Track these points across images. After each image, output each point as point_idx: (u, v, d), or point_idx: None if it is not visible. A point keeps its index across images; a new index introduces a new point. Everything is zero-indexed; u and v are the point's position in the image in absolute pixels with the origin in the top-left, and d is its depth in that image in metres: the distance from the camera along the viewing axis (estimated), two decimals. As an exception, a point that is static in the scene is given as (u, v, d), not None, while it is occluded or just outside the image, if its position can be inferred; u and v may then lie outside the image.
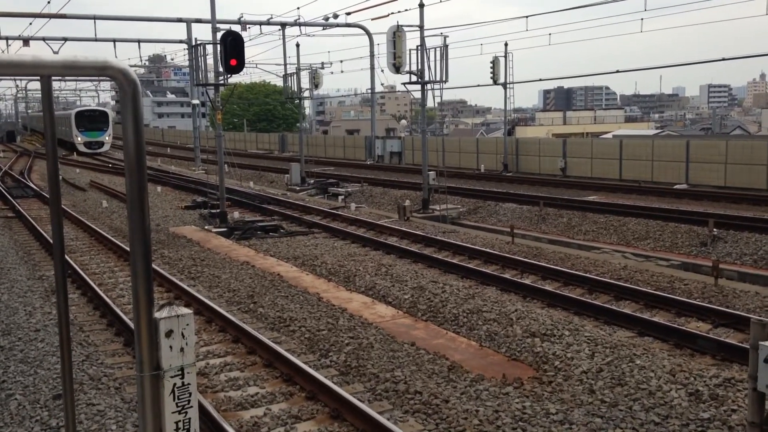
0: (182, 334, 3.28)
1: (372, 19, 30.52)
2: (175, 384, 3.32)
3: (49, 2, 27.91)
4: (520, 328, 9.76)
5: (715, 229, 16.90)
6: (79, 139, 53.80)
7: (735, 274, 14.26)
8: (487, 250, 15.45)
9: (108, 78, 3.21)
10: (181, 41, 34.31)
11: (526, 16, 31.07)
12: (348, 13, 31.06)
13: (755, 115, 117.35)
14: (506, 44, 35.24)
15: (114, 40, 32.87)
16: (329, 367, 8.63)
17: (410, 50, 22.30)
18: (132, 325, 8.67)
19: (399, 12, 28.73)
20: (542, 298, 11.81)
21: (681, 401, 7.28)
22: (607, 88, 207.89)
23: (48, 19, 29.60)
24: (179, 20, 30.18)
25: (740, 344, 8.85)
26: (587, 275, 12.91)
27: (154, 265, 13.81)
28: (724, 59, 25.04)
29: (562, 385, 7.82)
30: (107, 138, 55.41)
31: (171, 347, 3.28)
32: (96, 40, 31.02)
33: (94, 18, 29.02)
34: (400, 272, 13.62)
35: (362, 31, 37.42)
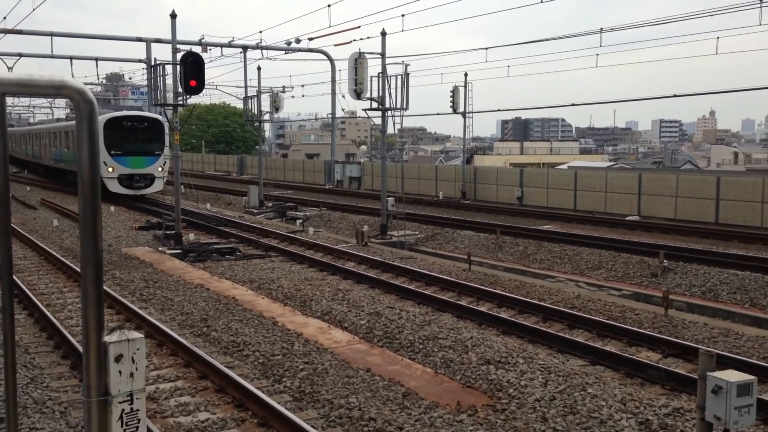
0: (132, 358, 3.22)
1: (334, 45, 30.85)
2: (123, 410, 3.25)
3: (5, 18, 27.36)
4: (475, 355, 9.79)
5: (665, 261, 17.29)
6: (111, 169, 30.43)
7: (684, 305, 14.58)
8: (444, 276, 15.52)
9: (64, 97, 3.16)
10: (140, 60, 33.98)
11: (486, 48, 31.67)
12: (310, 39, 31.21)
13: (704, 151, 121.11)
14: (466, 74, 35.81)
15: (71, 58, 32.37)
16: (283, 393, 8.51)
17: (371, 77, 22.48)
18: (80, 347, 8.44)
19: (361, 39, 29.04)
20: (497, 326, 11.90)
21: (631, 430, 7.37)
22: (563, 120, 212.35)
23: (3, 34, 29.05)
24: (139, 39, 29.91)
25: (689, 374, 9.03)
26: (542, 303, 13.06)
27: (104, 287, 13.52)
28: (675, 96, 25.92)
29: (516, 413, 7.86)
30: (160, 169, 31.73)
31: (120, 372, 3.21)
32: (52, 56, 30.54)
33: (51, 35, 28.57)
34: (357, 297, 13.57)
35: (324, 57, 37.61)
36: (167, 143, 32.00)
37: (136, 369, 3.23)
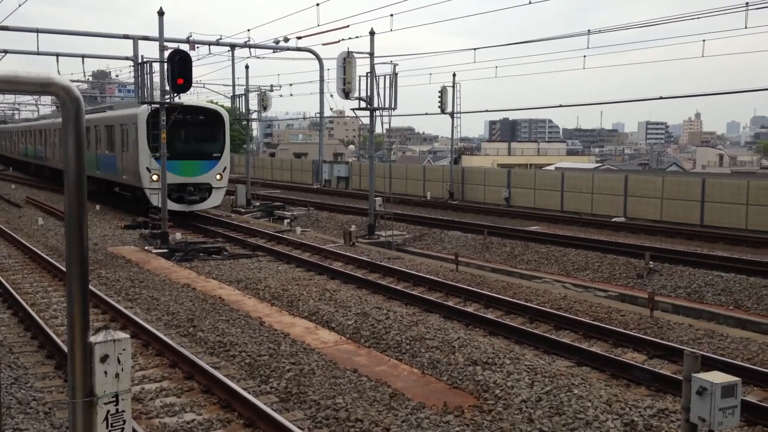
0: (118, 359, 3.19)
1: (323, 45, 30.76)
2: (108, 411, 3.22)
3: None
4: (462, 356, 9.81)
5: (651, 262, 17.40)
6: (156, 178, 22.78)
7: (669, 306, 14.68)
8: (432, 277, 15.53)
9: (51, 94, 3.13)
10: (127, 58, 33.76)
11: (474, 49, 31.77)
12: (299, 38, 31.11)
13: (690, 153, 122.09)
14: (454, 75, 35.86)
15: (57, 54, 32.10)
16: (269, 394, 8.49)
17: (360, 77, 22.46)
18: (65, 347, 8.38)
19: (350, 39, 28.94)
20: (484, 327, 11.92)
21: (617, 431, 7.41)
22: (551, 121, 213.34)
23: (-12, 29, 28.77)
24: (126, 37, 29.70)
25: (674, 375, 9.09)
26: (528, 304, 13.10)
27: (90, 286, 13.41)
28: (662, 98, 26.04)
29: (502, 413, 7.87)
30: (219, 177, 25.13)
31: (106, 373, 3.18)
32: (38, 53, 30.21)
33: (37, 31, 28.33)
34: (344, 298, 13.55)
35: (313, 56, 37.53)
36: (228, 143, 25.49)
37: (122, 369, 3.21)
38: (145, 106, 21.97)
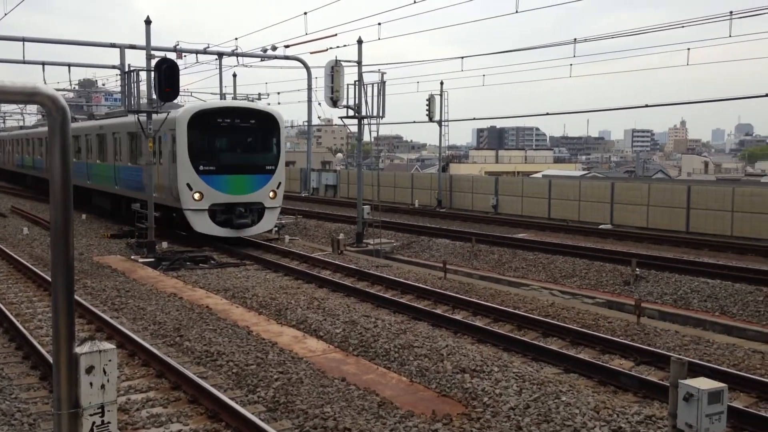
0: (104, 370, 3.17)
1: (311, 53, 30.79)
2: (94, 422, 3.19)
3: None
4: (451, 363, 9.81)
5: (637, 269, 17.49)
6: (199, 196, 20.08)
7: (656, 312, 14.75)
8: (420, 285, 15.54)
9: (37, 104, 3.12)
10: (113, 66, 33.64)
11: (462, 57, 31.87)
12: (287, 46, 31.15)
13: (676, 160, 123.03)
14: (442, 83, 35.99)
15: (43, 63, 31.92)
16: (257, 403, 8.44)
17: (348, 85, 22.52)
18: (50, 358, 8.31)
19: (338, 47, 29.06)
20: (473, 334, 11.93)
21: (605, 438, 7.43)
22: (538, 129, 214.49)
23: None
24: (112, 45, 29.59)
25: (661, 382, 9.13)
26: (516, 312, 13.13)
27: (75, 296, 13.31)
28: (647, 106, 26.28)
29: (491, 421, 7.88)
30: (272, 194, 21.32)
31: (91, 384, 3.16)
32: (24, 62, 30.01)
33: (23, 40, 28.18)
34: (332, 306, 13.53)
35: (300, 65, 37.56)
36: (283, 153, 21.66)
37: (108, 381, 3.19)
38: (188, 107, 20.13)
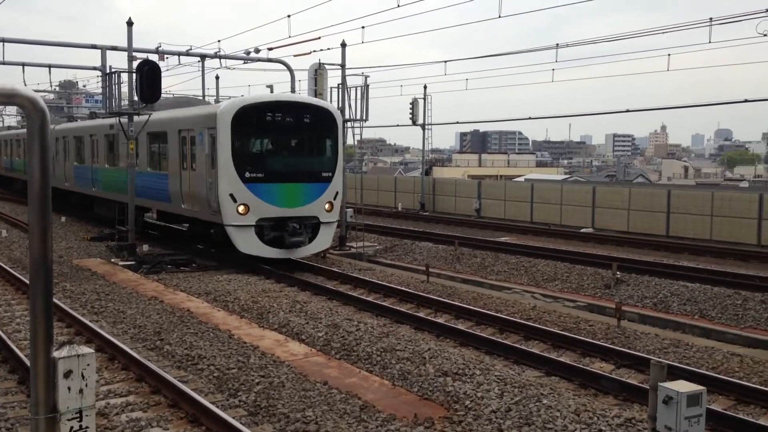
0: (82, 374, 3.14)
1: (294, 56, 30.66)
2: (72, 427, 3.16)
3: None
4: (433, 367, 9.82)
5: (618, 273, 17.62)
6: (243, 209, 16.73)
7: (636, 316, 14.87)
8: (403, 288, 15.55)
9: (16, 105, 3.09)
10: (95, 68, 33.36)
11: (445, 61, 32.01)
12: (270, 49, 31.04)
13: (656, 165, 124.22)
14: (425, 87, 36.09)
15: (23, 64, 31.55)
16: (238, 407, 8.40)
17: (331, 88, 22.53)
18: (28, 362, 8.21)
19: (321, 50, 29.02)
20: (455, 337, 11.95)
21: (585, 440, 7.47)
22: (521, 133, 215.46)
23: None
24: (94, 47, 29.31)
25: (641, 385, 9.20)
26: (498, 315, 13.17)
27: (54, 299, 13.16)
28: (628, 111, 26.52)
29: (472, 424, 7.89)
30: (328, 207, 18.00)
31: (69, 388, 3.13)
32: (4, 63, 29.64)
33: (3, 41, 27.85)
34: (314, 309, 13.50)
35: (284, 67, 37.46)
36: (342, 156, 18.75)
37: (86, 385, 3.16)
38: (233, 101, 17.33)
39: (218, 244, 18.86)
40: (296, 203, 17.31)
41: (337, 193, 18.20)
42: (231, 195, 16.62)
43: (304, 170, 17.74)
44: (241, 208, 16.66)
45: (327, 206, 17.84)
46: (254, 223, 16.81)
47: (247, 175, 16.76)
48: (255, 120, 17.27)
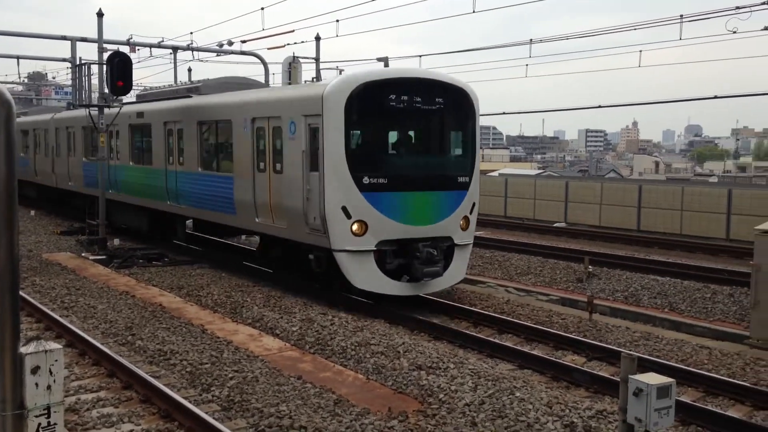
0: (50, 370, 3.09)
1: (268, 49, 30.43)
2: (40, 424, 3.11)
3: None
4: (407, 361, 9.84)
5: (590, 267, 17.80)
6: (359, 228, 12.42)
7: (608, 309, 15.04)
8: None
9: (-22, 95, 3.03)
10: (64, 59, 32.83)
11: (420, 56, 32.05)
12: (243, 41, 30.79)
13: (627, 160, 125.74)
14: (399, 81, 35.97)
15: (-10, 54, 30.98)
16: (211, 402, 8.34)
17: (306, 81, 22.37)
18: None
19: (295, 43, 28.79)
20: (429, 331, 11.98)
21: (557, 432, 7.54)
22: (495, 128, 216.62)
23: None
24: (64, 38, 28.81)
25: (612, 377, 9.31)
26: (472, 309, 13.24)
27: (23, 293, 12.96)
28: (600, 106, 26.79)
29: (446, 417, 7.93)
30: (463, 222, 13.59)
31: (37, 384, 3.07)
32: (-30, 53, 29.12)
33: (-31, 30, 27.27)
34: (289, 304, 13.44)
35: (257, 60, 37.20)
36: (478, 154, 14.36)
37: (54, 381, 3.10)
38: (346, 78, 12.71)
39: (311, 276, 13.99)
40: (427, 219, 12.99)
41: (474, 204, 13.80)
42: (344, 208, 12.28)
43: (438, 174, 13.38)
44: (355, 227, 12.34)
45: (462, 222, 13.51)
46: (374, 248, 12.51)
47: (366, 180, 12.41)
48: (377, 104, 12.70)
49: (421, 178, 13.12)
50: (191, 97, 18.18)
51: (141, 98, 21.65)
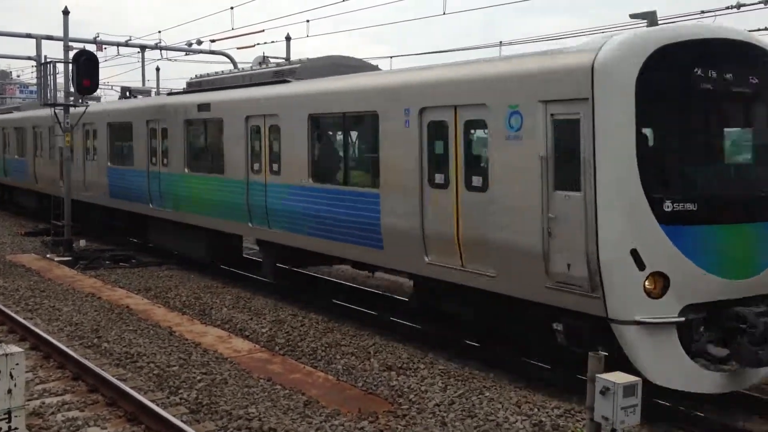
0: (11, 374, 3.02)
1: (237, 48, 30.23)
2: (0, 428, 3.04)
3: None
4: (378, 361, 9.84)
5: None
6: (652, 283, 7.59)
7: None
8: (348, 283, 15.52)
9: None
10: (29, 58, 32.25)
11: (391, 57, 32.14)
12: (213, 41, 30.55)
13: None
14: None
15: (-49, 51, 30.32)
16: (179, 405, 8.24)
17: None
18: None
19: (265, 43, 28.65)
20: (400, 332, 11.97)
21: (526, 432, 7.60)
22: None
23: None
24: (28, 36, 28.31)
25: (579, 376, 9.39)
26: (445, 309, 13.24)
27: (-15, 296, 12.71)
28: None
29: (416, 418, 7.94)
30: None
31: (-3, 388, 3.00)
32: (-70, 49, 28.42)
33: (-71, 25, 26.68)
34: (258, 305, 13.36)
35: (227, 60, 36.93)
36: None
37: (15, 385, 3.04)
38: (626, 41, 8.03)
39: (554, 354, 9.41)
40: (756, 267, 8.33)
41: None
42: (633, 252, 7.79)
43: (757, 191, 8.67)
44: (648, 283, 7.82)
45: None
46: (677, 317, 7.90)
47: (668, 206, 7.87)
48: (686, 80, 8.07)
49: (751, 202, 8.48)
50: (289, 82, 13.49)
51: (195, 87, 16.93)
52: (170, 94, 18.50)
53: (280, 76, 13.99)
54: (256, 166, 13.63)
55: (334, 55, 14.32)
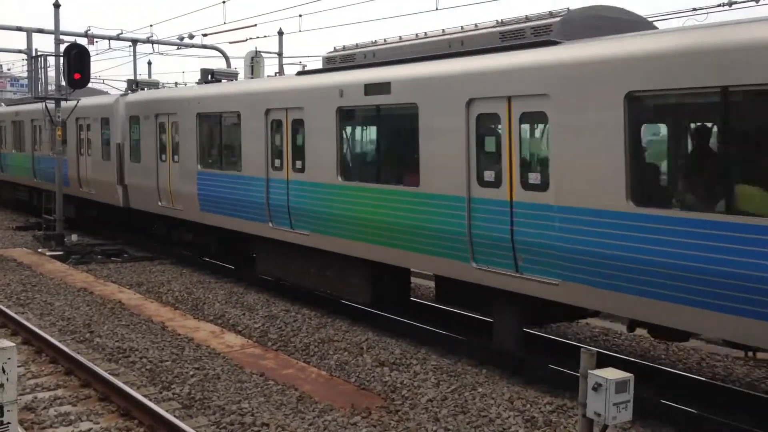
0: (2, 368, 3.00)
1: (230, 43, 30.14)
2: (-7, 424, 3.02)
3: None
4: (371, 357, 9.85)
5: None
6: None
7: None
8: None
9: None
10: (20, 51, 32.03)
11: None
12: (205, 35, 30.43)
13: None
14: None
15: (-59, 44, 30.08)
16: (171, 400, 8.23)
17: (268, 76, 22.19)
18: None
19: (258, 38, 28.52)
20: (393, 328, 11.98)
21: (518, 428, 7.62)
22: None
23: None
24: (19, 29, 28.12)
25: (572, 372, 9.42)
26: (437, 306, 13.27)
27: (-23, 291, 12.64)
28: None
29: (409, 413, 7.95)
30: None
31: (-10, 383, 2.99)
32: None
33: None
34: (251, 300, 13.34)
35: (219, 54, 36.79)
36: None
37: (7, 380, 3.02)
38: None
39: None
40: None
41: None
42: None
43: None
44: None
45: None
46: None
47: None
48: None
49: None
50: (535, 48, 8.60)
51: (347, 60, 11.89)
52: (301, 73, 13.80)
53: (505, 40, 9.22)
54: (488, 175, 9.00)
55: (600, 5, 9.12)
